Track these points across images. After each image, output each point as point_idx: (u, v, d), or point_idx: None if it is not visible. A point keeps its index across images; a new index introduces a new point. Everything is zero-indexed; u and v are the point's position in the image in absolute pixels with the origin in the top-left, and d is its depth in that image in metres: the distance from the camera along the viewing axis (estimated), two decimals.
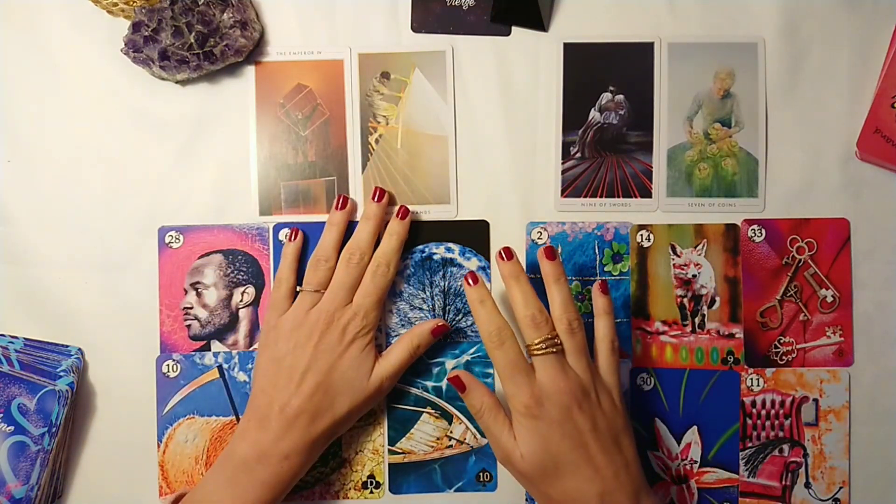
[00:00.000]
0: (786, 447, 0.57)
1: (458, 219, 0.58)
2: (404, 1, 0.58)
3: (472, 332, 0.58)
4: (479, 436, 0.57)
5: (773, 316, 0.58)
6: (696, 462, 0.57)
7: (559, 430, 0.47)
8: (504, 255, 0.51)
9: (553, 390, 0.48)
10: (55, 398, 0.52)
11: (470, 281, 0.52)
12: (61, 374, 0.54)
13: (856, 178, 0.58)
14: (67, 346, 0.56)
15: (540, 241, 0.58)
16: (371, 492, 0.57)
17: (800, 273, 0.58)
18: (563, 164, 0.58)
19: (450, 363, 0.57)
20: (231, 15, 0.55)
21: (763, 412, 0.57)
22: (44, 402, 0.52)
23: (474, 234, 0.58)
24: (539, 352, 0.48)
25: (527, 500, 0.57)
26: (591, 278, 0.58)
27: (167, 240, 0.57)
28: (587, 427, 0.48)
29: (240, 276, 0.57)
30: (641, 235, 0.58)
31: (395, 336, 0.57)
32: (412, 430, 0.57)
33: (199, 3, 0.54)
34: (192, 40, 0.54)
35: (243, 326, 0.57)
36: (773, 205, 0.58)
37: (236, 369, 0.57)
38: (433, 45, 0.58)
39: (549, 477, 0.48)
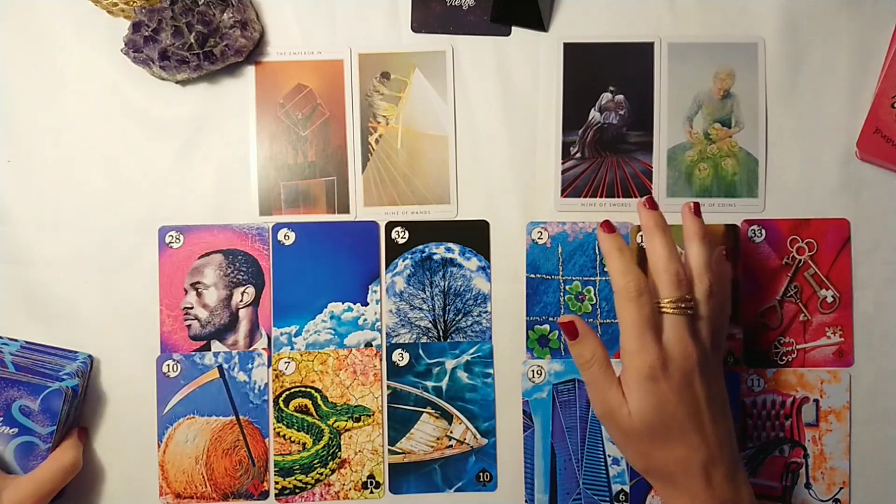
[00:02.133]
0: (786, 448, 0.57)
1: (458, 219, 0.58)
2: (404, 1, 0.58)
3: (472, 332, 0.58)
4: (478, 436, 0.57)
5: (773, 316, 0.58)
6: None
7: (678, 395, 0.46)
8: (648, 204, 0.49)
9: (680, 354, 0.46)
10: (61, 397, 0.52)
11: (605, 229, 0.49)
12: (65, 376, 0.54)
13: (856, 178, 0.58)
14: (76, 353, 0.56)
15: (540, 241, 0.58)
16: (371, 492, 0.57)
17: (800, 273, 0.58)
18: (563, 164, 0.58)
19: (450, 363, 0.57)
20: (231, 15, 0.55)
21: (763, 413, 0.57)
22: (49, 401, 0.52)
23: (474, 234, 0.58)
24: (675, 311, 0.46)
25: (526, 500, 0.57)
26: (592, 279, 0.58)
27: (167, 240, 0.57)
28: (703, 395, 0.46)
29: (240, 276, 0.57)
30: (641, 236, 0.58)
31: (396, 336, 0.57)
32: (412, 430, 0.57)
33: (199, 3, 0.54)
34: (192, 40, 0.54)
35: (243, 326, 0.57)
36: (773, 205, 0.58)
37: (236, 369, 0.57)
38: (433, 45, 0.58)
39: (656, 439, 0.46)
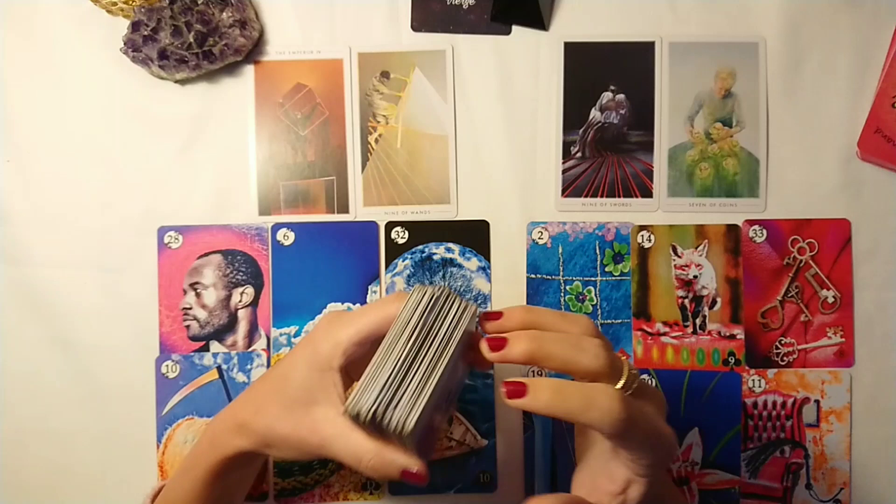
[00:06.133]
0: (787, 448, 0.57)
1: (458, 219, 0.58)
2: (404, 0, 0.58)
3: None
4: (478, 437, 0.57)
5: (774, 317, 0.58)
6: (697, 463, 0.57)
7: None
8: (492, 346, 0.38)
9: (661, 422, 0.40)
10: None
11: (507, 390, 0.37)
12: None
13: (856, 178, 0.58)
14: None
15: (541, 242, 0.58)
16: (371, 493, 0.57)
17: (801, 273, 0.58)
18: (563, 163, 0.58)
19: None
20: (230, 14, 0.54)
21: (764, 413, 0.57)
22: None
23: (474, 234, 0.58)
24: (632, 390, 0.39)
25: None
26: (592, 278, 0.57)
27: (166, 240, 0.57)
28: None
29: (239, 277, 0.57)
30: (642, 236, 0.57)
31: None
32: None
33: (199, 2, 0.54)
34: (192, 39, 0.54)
35: (242, 327, 0.57)
36: (774, 205, 0.58)
37: (235, 370, 0.57)
38: (433, 45, 0.58)
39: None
